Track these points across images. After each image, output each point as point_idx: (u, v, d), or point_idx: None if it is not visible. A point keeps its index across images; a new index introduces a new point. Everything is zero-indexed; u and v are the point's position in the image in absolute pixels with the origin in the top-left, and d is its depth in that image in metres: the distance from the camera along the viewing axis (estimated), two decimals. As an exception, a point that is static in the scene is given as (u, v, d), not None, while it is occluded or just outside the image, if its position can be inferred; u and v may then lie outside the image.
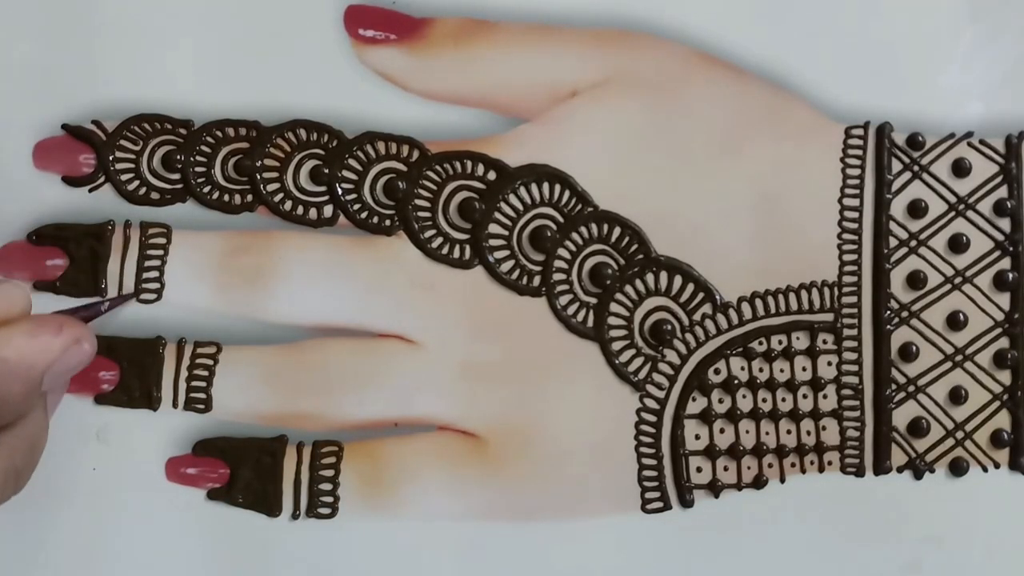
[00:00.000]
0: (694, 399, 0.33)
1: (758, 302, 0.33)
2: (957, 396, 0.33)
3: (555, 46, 0.33)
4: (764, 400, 0.33)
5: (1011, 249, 0.33)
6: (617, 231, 0.33)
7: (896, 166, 0.33)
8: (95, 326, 0.30)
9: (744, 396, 0.33)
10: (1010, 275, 0.33)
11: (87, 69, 0.32)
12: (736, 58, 0.33)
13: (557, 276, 0.32)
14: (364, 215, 0.32)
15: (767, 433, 0.33)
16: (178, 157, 0.32)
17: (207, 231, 0.32)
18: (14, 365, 0.26)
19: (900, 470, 0.33)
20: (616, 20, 0.33)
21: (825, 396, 0.33)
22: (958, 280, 0.33)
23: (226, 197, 0.32)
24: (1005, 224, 0.33)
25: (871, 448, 0.33)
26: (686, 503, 0.32)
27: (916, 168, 0.33)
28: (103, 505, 0.32)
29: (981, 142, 0.33)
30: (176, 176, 0.32)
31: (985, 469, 0.33)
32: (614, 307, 0.33)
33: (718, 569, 0.32)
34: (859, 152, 0.33)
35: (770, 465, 0.33)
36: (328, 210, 0.32)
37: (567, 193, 0.33)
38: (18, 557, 0.31)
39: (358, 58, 0.32)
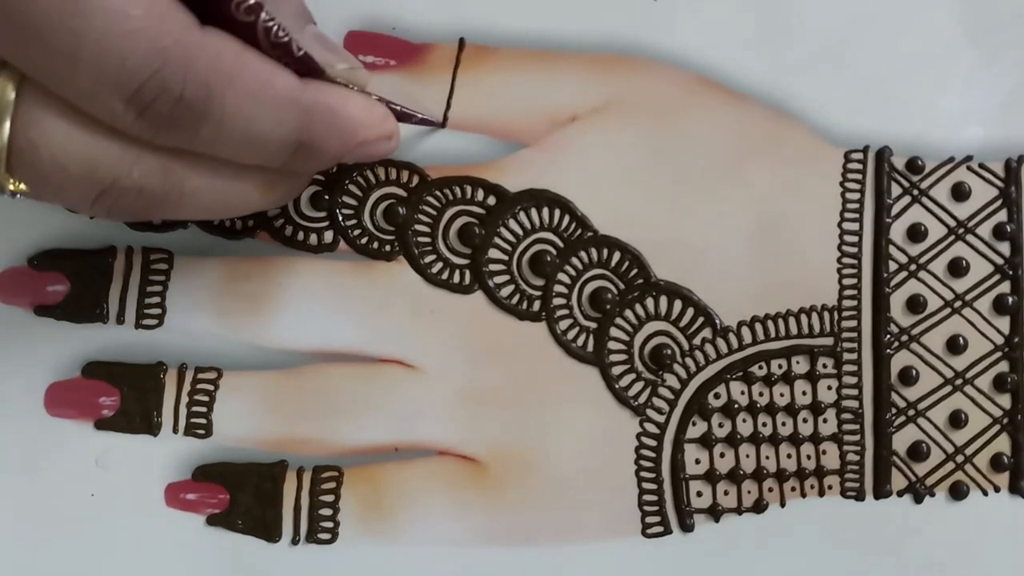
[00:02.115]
0: (694, 423, 0.33)
1: (758, 326, 0.33)
2: (957, 420, 0.33)
3: (555, 71, 0.33)
4: (764, 424, 0.33)
5: (1011, 273, 0.33)
6: (617, 256, 0.33)
7: (896, 190, 0.33)
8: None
9: (744, 420, 0.33)
10: (1010, 299, 0.33)
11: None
12: (735, 83, 0.33)
13: (557, 301, 0.33)
14: (364, 240, 0.32)
15: (767, 457, 0.33)
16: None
17: (208, 257, 0.32)
18: (340, 122, 0.27)
19: (900, 494, 0.33)
20: (616, 45, 0.33)
21: (825, 420, 0.33)
22: (958, 304, 0.33)
23: (227, 222, 0.32)
24: (1005, 248, 0.33)
25: (871, 472, 0.33)
26: (686, 527, 0.32)
27: (916, 192, 0.33)
28: (102, 531, 0.31)
29: (980, 166, 0.33)
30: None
31: (985, 493, 0.33)
32: (614, 332, 0.33)
33: (718, 594, 0.32)
34: (859, 176, 0.33)
35: (770, 489, 0.33)
36: (328, 236, 0.32)
37: (567, 218, 0.33)
38: (18, 582, 0.32)
39: (358, 84, 0.32)
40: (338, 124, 0.27)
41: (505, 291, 0.32)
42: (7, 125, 0.24)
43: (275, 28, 0.25)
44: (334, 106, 0.27)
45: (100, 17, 0.23)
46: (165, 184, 0.26)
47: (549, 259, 0.33)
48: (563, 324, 0.32)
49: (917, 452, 0.33)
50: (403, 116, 0.31)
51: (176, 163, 0.26)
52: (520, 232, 0.33)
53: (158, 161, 0.25)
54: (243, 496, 0.32)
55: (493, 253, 0.33)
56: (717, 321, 0.33)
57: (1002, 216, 0.33)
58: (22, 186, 0.25)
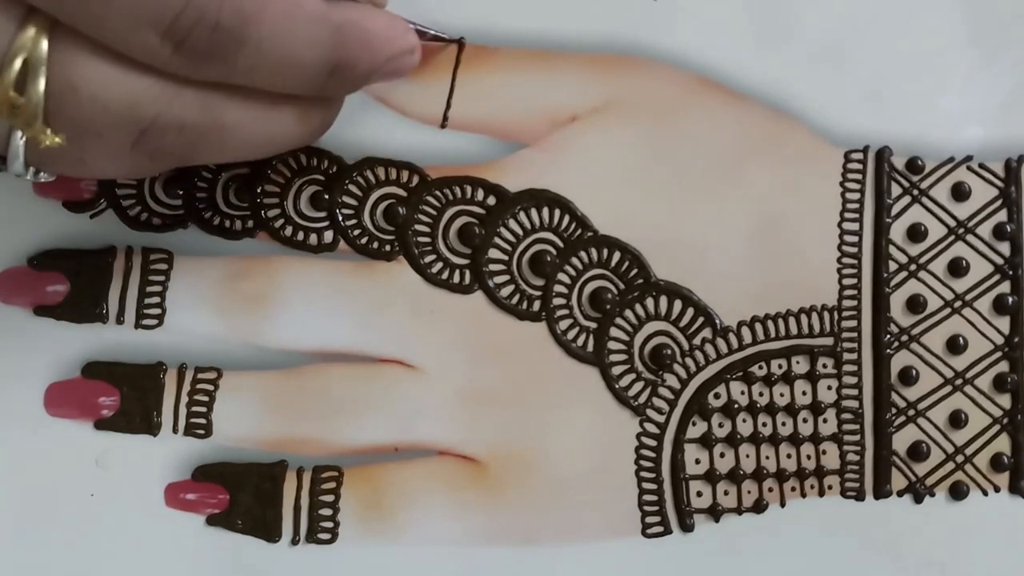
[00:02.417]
0: (694, 423, 0.33)
1: (758, 326, 0.33)
2: (957, 420, 0.33)
3: (555, 71, 0.33)
4: (764, 424, 0.33)
5: (1011, 273, 0.33)
6: (617, 256, 0.33)
7: (896, 190, 0.33)
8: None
9: (744, 420, 0.33)
10: (1010, 299, 0.33)
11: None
12: (735, 83, 0.33)
13: (557, 301, 0.33)
14: (364, 240, 0.32)
15: (767, 457, 0.33)
16: (180, 183, 0.32)
17: (208, 257, 0.32)
18: (369, 36, 0.27)
19: (900, 494, 0.33)
20: (616, 45, 0.33)
21: (825, 420, 0.33)
22: (958, 304, 0.33)
23: (227, 223, 0.32)
24: (1005, 248, 0.33)
25: (871, 472, 0.33)
26: (686, 527, 0.32)
27: (916, 192, 0.33)
28: (102, 531, 0.31)
29: (981, 166, 0.33)
30: (178, 202, 0.32)
31: (985, 493, 0.33)
32: (614, 332, 0.33)
33: (718, 594, 0.32)
34: (858, 176, 0.33)
35: (770, 489, 0.33)
36: (328, 235, 0.32)
37: (567, 218, 0.33)
38: (17, 583, 0.32)
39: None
40: (368, 39, 0.27)
41: (505, 291, 0.32)
42: (42, 76, 0.24)
43: None
44: (362, 22, 0.27)
45: None
46: (205, 117, 0.26)
47: (549, 259, 0.33)
48: (563, 324, 0.32)
49: (917, 452, 0.33)
50: (420, 33, 0.30)
51: (215, 96, 0.26)
52: (520, 232, 0.33)
53: (197, 95, 0.25)
54: (243, 496, 0.32)
55: (493, 253, 0.33)
56: (717, 321, 0.33)
57: (1002, 216, 0.33)
58: (58, 139, 0.24)
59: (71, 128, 0.24)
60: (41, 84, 0.24)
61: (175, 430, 0.32)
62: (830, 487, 0.33)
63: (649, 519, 0.32)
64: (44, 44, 0.24)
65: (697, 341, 0.33)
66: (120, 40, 0.24)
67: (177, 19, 0.24)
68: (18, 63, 0.24)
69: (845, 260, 0.33)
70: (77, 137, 0.25)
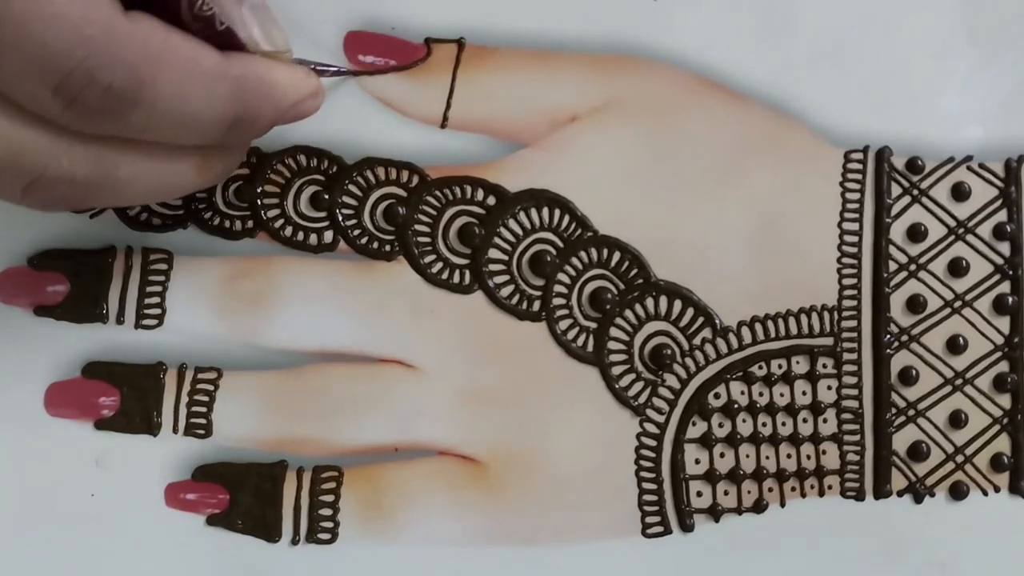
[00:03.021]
0: (694, 423, 0.33)
1: (758, 326, 0.33)
2: (957, 420, 0.33)
3: (555, 71, 0.33)
4: (764, 424, 0.33)
5: (1011, 273, 0.33)
6: (617, 256, 0.33)
7: (896, 190, 0.33)
8: None
9: (744, 420, 0.33)
10: (1010, 299, 0.33)
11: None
12: (735, 83, 0.33)
13: (557, 301, 0.33)
14: (364, 240, 0.32)
15: (767, 457, 0.33)
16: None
17: (208, 257, 0.32)
18: (269, 87, 0.27)
19: (900, 494, 0.33)
20: (616, 45, 0.33)
21: (825, 420, 0.33)
22: (958, 304, 0.33)
23: (227, 223, 0.32)
24: (1005, 248, 0.33)
25: (871, 472, 0.33)
26: (686, 527, 0.32)
27: (916, 192, 0.33)
28: (102, 531, 0.31)
29: (980, 166, 0.33)
30: (178, 202, 0.32)
31: (985, 493, 0.33)
32: (614, 332, 0.33)
33: (718, 594, 0.32)
34: (858, 176, 0.33)
35: (770, 489, 0.33)
36: (328, 235, 0.32)
37: (567, 218, 0.33)
38: (18, 583, 0.32)
39: (358, 84, 0.32)
40: (268, 90, 0.27)
41: (505, 291, 0.32)
42: None
43: (199, 1, 0.25)
44: (262, 73, 0.26)
45: (20, 2, 0.22)
46: (97, 172, 0.25)
47: (549, 259, 0.33)
48: (563, 324, 0.32)
49: (917, 452, 0.33)
50: (319, 72, 0.30)
51: (108, 150, 0.25)
52: (520, 232, 0.33)
53: (89, 149, 0.25)
54: (243, 496, 0.32)
55: (493, 253, 0.33)
56: (717, 321, 0.33)
57: (1002, 216, 0.33)
58: None
59: None
60: None
61: (175, 430, 0.32)
62: (830, 487, 0.33)
63: (649, 519, 0.32)
64: None
65: (697, 341, 0.33)
66: (10, 91, 0.23)
67: (67, 77, 0.23)
68: None
69: (845, 260, 0.33)
70: None
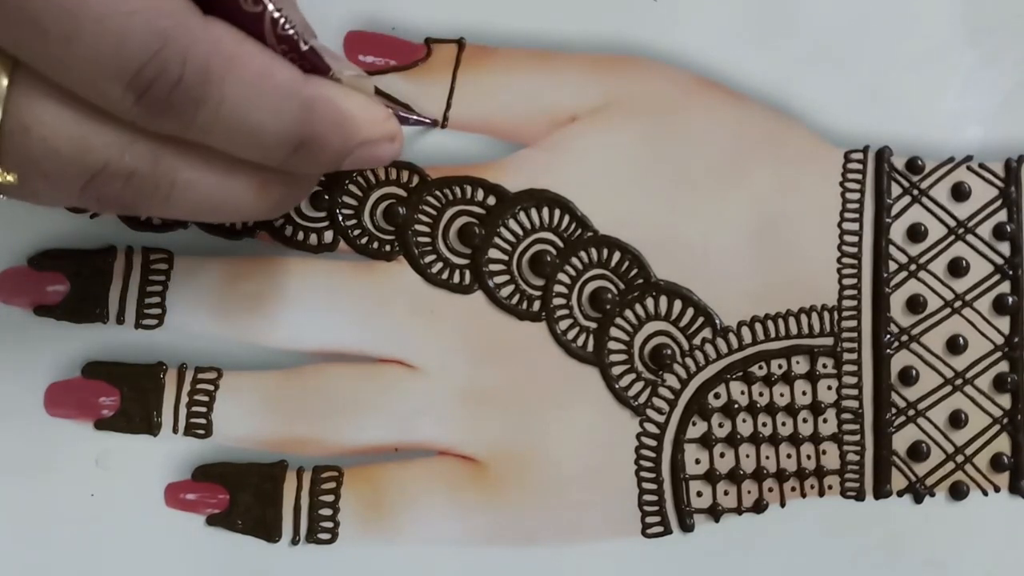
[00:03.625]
0: (694, 423, 0.33)
1: (758, 326, 0.33)
2: (957, 420, 0.33)
3: (555, 72, 0.33)
4: (764, 424, 0.33)
5: (1011, 273, 0.33)
6: (617, 256, 0.33)
7: (896, 190, 0.33)
8: None
9: (744, 420, 0.33)
10: (1010, 299, 0.33)
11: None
12: (735, 83, 0.33)
13: (557, 301, 0.33)
14: (364, 240, 0.32)
15: (767, 457, 0.33)
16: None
17: (208, 257, 0.32)
18: (343, 117, 0.26)
19: (900, 494, 0.33)
20: (616, 45, 0.33)
21: (825, 420, 0.33)
22: (958, 304, 0.33)
23: (227, 223, 0.32)
24: (1005, 248, 0.33)
25: (871, 472, 0.33)
26: (686, 527, 0.32)
27: (916, 192, 0.33)
28: (102, 531, 0.31)
29: (980, 166, 0.33)
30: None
31: (985, 493, 0.33)
32: (614, 332, 0.33)
33: (718, 594, 0.32)
34: (858, 176, 0.33)
35: (770, 489, 0.33)
36: (328, 236, 0.32)
37: (567, 218, 0.33)
38: (18, 582, 0.32)
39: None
40: (340, 119, 0.26)
41: (505, 291, 0.32)
42: None
43: (282, 20, 0.25)
44: (337, 100, 0.26)
45: None
46: (156, 172, 0.25)
47: (549, 259, 0.33)
48: (563, 324, 0.32)
49: (917, 452, 0.33)
50: (402, 119, 0.30)
51: (169, 151, 0.25)
52: (520, 232, 0.33)
53: (150, 147, 0.25)
54: (243, 496, 0.32)
55: (493, 253, 0.33)
56: (717, 321, 0.33)
57: (1002, 216, 0.33)
58: (10, 177, 0.24)
59: (21, 167, 0.24)
60: None
61: (175, 430, 0.32)
62: (830, 487, 0.33)
63: (649, 519, 0.32)
64: (4, 82, 0.24)
65: (697, 341, 0.33)
66: (81, 86, 0.24)
67: (140, 71, 0.23)
68: None
69: (845, 260, 0.33)
70: (27, 177, 0.25)
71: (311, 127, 0.26)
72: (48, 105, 0.24)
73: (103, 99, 0.24)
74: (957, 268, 0.33)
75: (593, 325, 0.33)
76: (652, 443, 0.32)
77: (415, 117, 0.32)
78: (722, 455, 0.33)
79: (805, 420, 0.33)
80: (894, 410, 0.33)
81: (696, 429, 0.33)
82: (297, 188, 0.28)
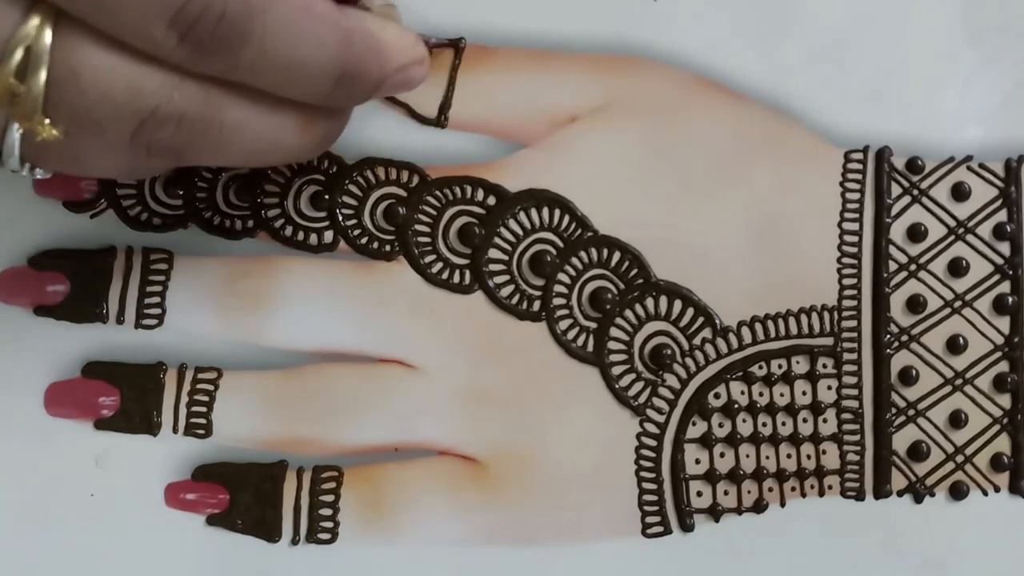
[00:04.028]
0: (694, 423, 0.33)
1: (758, 326, 0.33)
2: (957, 420, 0.33)
3: (555, 71, 0.33)
4: (764, 424, 0.33)
5: (1011, 273, 0.33)
6: (617, 256, 0.33)
7: (896, 190, 0.33)
8: None
9: (744, 420, 0.33)
10: (1010, 299, 0.33)
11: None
12: (735, 83, 0.33)
13: (557, 301, 0.33)
14: (364, 240, 0.32)
15: (767, 457, 0.33)
16: (180, 183, 0.32)
17: (208, 256, 0.32)
18: (380, 45, 0.27)
19: (900, 494, 0.33)
20: (616, 45, 0.33)
21: (825, 420, 0.33)
22: (958, 304, 0.33)
23: (227, 223, 0.32)
24: (1005, 248, 0.33)
25: (871, 472, 0.33)
26: (686, 527, 0.32)
27: (916, 192, 0.33)
28: (102, 531, 0.31)
29: (980, 166, 0.33)
30: (178, 202, 0.32)
31: (985, 493, 0.33)
32: (614, 332, 0.33)
33: (718, 594, 0.32)
34: (858, 176, 0.33)
35: (770, 489, 0.33)
36: (328, 235, 0.32)
37: (567, 218, 0.33)
38: (17, 583, 0.32)
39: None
40: (378, 48, 0.27)
41: (505, 291, 0.33)
42: (44, 66, 0.24)
43: None
44: (373, 31, 0.27)
45: None
46: (205, 112, 0.25)
47: (549, 259, 0.33)
48: (563, 324, 0.32)
49: (917, 452, 0.33)
50: (425, 41, 0.30)
51: (216, 91, 0.25)
52: (520, 232, 0.33)
53: (199, 87, 0.25)
54: (243, 496, 0.32)
55: (493, 253, 0.33)
56: (717, 321, 0.33)
57: (1002, 216, 0.33)
58: (55, 132, 0.24)
59: (70, 117, 0.24)
60: (43, 74, 0.24)
61: (175, 430, 0.32)
62: (830, 487, 0.33)
63: (649, 519, 0.32)
64: (48, 33, 0.24)
65: (697, 341, 0.33)
66: (125, 29, 0.24)
67: (184, 8, 0.23)
68: (20, 52, 0.23)
69: (845, 260, 0.33)
70: (76, 128, 0.24)
71: (352, 57, 0.26)
72: (95, 51, 0.24)
73: (148, 41, 0.24)
74: (957, 268, 0.33)
75: (593, 325, 0.33)
76: (652, 443, 0.32)
77: (434, 40, 0.32)
78: (722, 455, 0.33)
79: (805, 420, 0.33)
80: (894, 410, 0.33)
81: (696, 429, 0.33)
82: (337, 123, 0.29)
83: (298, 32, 0.25)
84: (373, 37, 0.27)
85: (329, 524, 0.32)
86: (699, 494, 0.33)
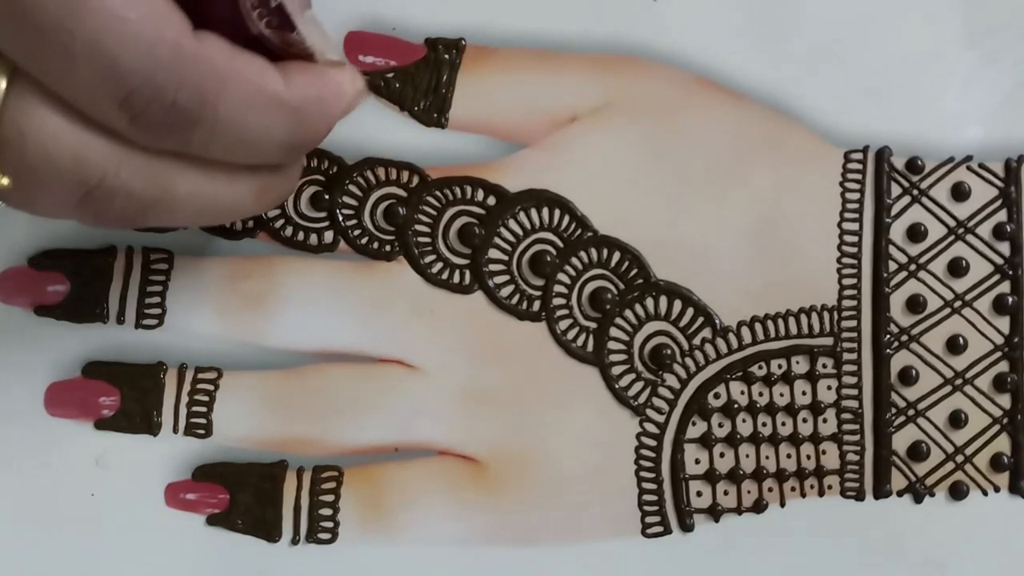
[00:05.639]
0: (694, 423, 0.33)
1: (758, 326, 0.33)
2: (957, 420, 0.33)
3: (555, 72, 0.33)
4: (764, 424, 0.33)
5: (1010, 273, 0.33)
6: (617, 256, 0.33)
7: (895, 190, 0.33)
8: None
9: (744, 420, 0.33)
10: (1009, 299, 0.33)
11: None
12: (735, 83, 0.33)
13: (557, 301, 0.33)
14: (364, 240, 0.32)
15: (767, 457, 0.33)
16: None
17: (208, 257, 0.32)
18: (326, 107, 0.26)
19: (900, 494, 0.33)
20: (616, 45, 0.33)
21: (825, 420, 0.33)
22: (958, 304, 0.33)
23: (228, 223, 0.32)
24: (1004, 248, 0.33)
25: (871, 472, 0.33)
26: (686, 527, 0.32)
27: (915, 192, 0.33)
28: (102, 531, 0.32)
29: (980, 166, 0.33)
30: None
31: (985, 493, 0.33)
32: (614, 332, 0.33)
33: (718, 594, 0.32)
34: (858, 176, 0.33)
35: (770, 489, 0.33)
36: (329, 236, 0.32)
37: (567, 218, 0.33)
38: (17, 583, 0.32)
39: (358, 84, 0.32)
40: (325, 111, 0.26)
41: (505, 291, 0.33)
42: None
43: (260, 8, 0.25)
44: (320, 94, 0.26)
45: (96, 17, 0.23)
46: (155, 187, 0.25)
47: (549, 259, 0.33)
48: (563, 324, 0.32)
49: (917, 452, 0.33)
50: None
51: (167, 165, 0.25)
52: (520, 232, 0.33)
53: (148, 162, 0.25)
54: (243, 496, 0.32)
55: (493, 253, 0.33)
56: (717, 321, 0.33)
57: (1002, 216, 0.33)
58: (4, 180, 0.24)
59: (15, 173, 0.24)
60: None
61: (175, 430, 0.32)
62: (830, 487, 0.33)
63: (649, 519, 0.32)
64: (3, 84, 0.24)
65: (697, 341, 0.33)
66: (78, 100, 0.24)
67: (134, 92, 0.23)
68: None
69: (845, 260, 0.33)
70: (21, 184, 0.24)
71: (301, 130, 0.26)
72: (45, 113, 0.24)
73: (100, 115, 0.24)
74: (957, 268, 0.33)
75: (593, 325, 0.33)
76: (652, 443, 0.32)
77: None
78: (722, 455, 0.33)
79: (805, 420, 0.33)
80: (894, 410, 0.33)
81: (696, 429, 0.33)
82: (291, 180, 0.29)
83: (249, 117, 0.25)
84: (320, 103, 0.26)
85: (329, 524, 0.32)
86: (699, 494, 0.33)
